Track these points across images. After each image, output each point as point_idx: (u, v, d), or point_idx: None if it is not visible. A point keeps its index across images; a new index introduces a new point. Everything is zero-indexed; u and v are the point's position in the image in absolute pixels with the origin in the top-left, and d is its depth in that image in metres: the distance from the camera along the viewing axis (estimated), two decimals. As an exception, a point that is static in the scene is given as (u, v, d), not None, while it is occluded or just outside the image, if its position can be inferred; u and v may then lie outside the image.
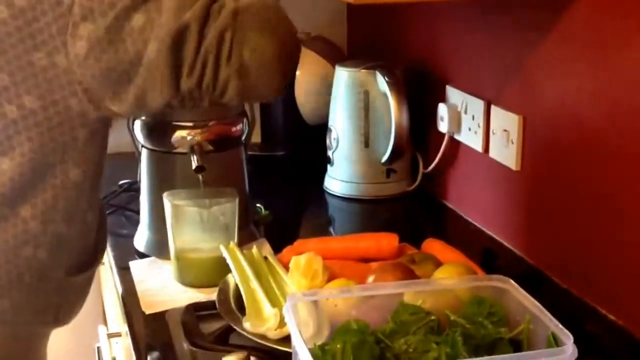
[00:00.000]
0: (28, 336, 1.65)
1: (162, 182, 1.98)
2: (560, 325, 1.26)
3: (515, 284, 1.36)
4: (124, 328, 1.89)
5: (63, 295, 1.64)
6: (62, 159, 1.52)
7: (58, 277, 1.61)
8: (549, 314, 1.28)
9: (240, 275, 1.69)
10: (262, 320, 1.56)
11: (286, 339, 1.47)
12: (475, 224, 2.18)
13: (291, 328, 1.30)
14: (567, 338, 1.23)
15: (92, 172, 1.59)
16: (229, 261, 1.72)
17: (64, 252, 1.60)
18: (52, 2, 1.40)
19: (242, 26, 1.43)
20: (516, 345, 1.31)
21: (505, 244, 2.04)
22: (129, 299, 1.83)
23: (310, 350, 1.24)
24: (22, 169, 1.48)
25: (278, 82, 1.50)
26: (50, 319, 1.63)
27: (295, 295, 1.41)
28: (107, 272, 2.24)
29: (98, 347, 2.08)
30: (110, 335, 2.04)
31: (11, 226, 1.52)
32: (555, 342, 1.26)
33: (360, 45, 2.91)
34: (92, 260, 1.71)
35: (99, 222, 1.71)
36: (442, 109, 2.24)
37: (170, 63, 1.42)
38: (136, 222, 2.09)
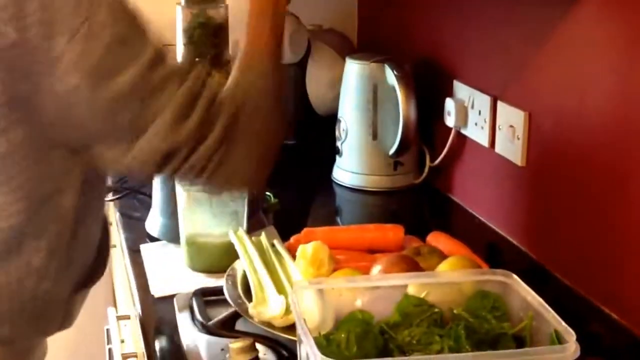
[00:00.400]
0: (27, 347, 1.60)
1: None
2: (564, 323, 1.24)
3: (519, 279, 1.35)
4: (133, 311, 1.88)
5: (67, 311, 1.57)
6: (59, 189, 1.44)
7: (62, 299, 1.53)
8: (552, 311, 1.26)
9: (247, 261, 1.68)
10: (268, 308, 1.55)
11: (292, 327, 1.46)
12: (480, 218, 2.16)
13: (296, 316, 1.28)
14: (570, 336, 1.22)
15: (92, 197, 1.52)
16: (237, 247, 1.71)
17: (69, 278, 1.53)
18: (42, 46, 1.28)
19: (228, 153, 1.42)
20: (519, 341, 1.29)
21: (509, 238, 2.02)
22: (139, 281, 1.82)
23: (314, 339, 1.23)
24: (21, 204, 1.40)
25: (251, 187, 1.58)
26: (53, 331, 1.57)
27: (300, 283, 1.40)
28: (118, 255, 2.23)
29: (107, 329, 2.07)
30: (119, 318, 2.03)
31: (14, 261, 1.43)
32: (557, 339, 1.24)
33: (370, 39, 2.90)
34: (96, 274, 1.64)
35: (102, 238, 1.65)
36: (449, 104, 2.23)
37: (156, 164, 1.40)
38: (148, 206, 2.08)
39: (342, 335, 1.28)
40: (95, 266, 1.61)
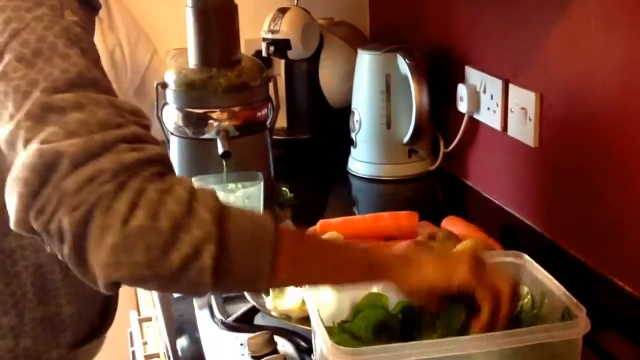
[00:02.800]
0: None
1: (191, 167, 2.00)
2: (574, 299, 1.25)
3: (530, 259, 1.35)
4: (154, 312, 1.90)
5: None
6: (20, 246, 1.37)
7: (55, 356, 1.45)
8: (563, 288, 1.27)
9: (264, 256, 1.69)
10: (285, 300, 1.56)
11: (309, 319, 1.46)
12: (495, 201, 2.17)
13: (309, 307, 1.30)
14: (580, 311, 1.22)
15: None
16: (254, 243, 1.72)
17: (59, 334, 1.45)
18: None
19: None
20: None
21: (524, 219, 2.03)
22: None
23: (328, 328, 1.24)
24: None
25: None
26: None
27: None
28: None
29: (130, 332, 2.09)
30: (141, 320, 2.05)
31: None
32: (569, 315, 1.25)
33: (382, 29, 2.90)
34: (99, 331, 1.56)
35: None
36: (461, 90, 2.23)
37: None
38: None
39: (356, 323, 1.29)
40: (97, 321, 1.56)
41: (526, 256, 1.37)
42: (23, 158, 1.07)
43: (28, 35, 1.15)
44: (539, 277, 1.33)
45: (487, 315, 1.21)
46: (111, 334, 1.63)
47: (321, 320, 1.25)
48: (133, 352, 2.01)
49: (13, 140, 1.10)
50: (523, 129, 1.98)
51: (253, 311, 1.62)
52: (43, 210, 1.06)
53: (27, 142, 1.08)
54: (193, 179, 1.81)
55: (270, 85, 2.11)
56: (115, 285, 1.09)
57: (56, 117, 1.09)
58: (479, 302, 1.21)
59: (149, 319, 2.03)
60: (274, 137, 2.15)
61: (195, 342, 1.60)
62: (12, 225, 1.10)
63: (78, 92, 1.12)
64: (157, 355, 1.82)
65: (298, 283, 1.32)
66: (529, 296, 1.33)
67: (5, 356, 1.38)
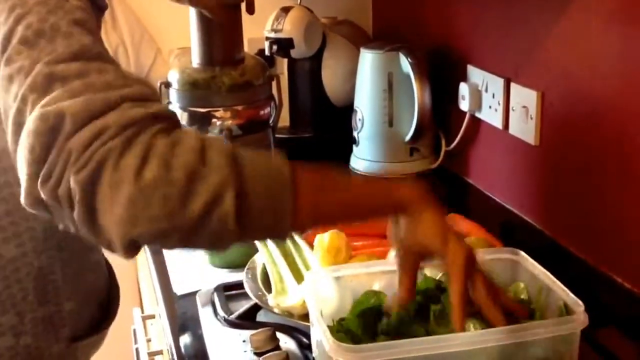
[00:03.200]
0: None
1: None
2: (572, 294, 1.26)
3: (527, 256, 1.36)
4: (157, 310, 1.91)
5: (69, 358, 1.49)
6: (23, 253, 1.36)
7: (56, 351, 1.45)
8: (560, 284, 1.28)
9: (267, 254, 1.71)
10: (287, 297, 1.57)
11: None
12: (496, 199, 2.17)
13: (308, 303, 1.31)
14: (578, 307, 1.23)
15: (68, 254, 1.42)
16: (257, 241, 1.73)
17: (58, 329, 1.44)
18: None
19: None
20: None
21: (525, 217, 2.03)
22: (162, 280, 1.85)
23: (327, 326, 1.25)
24: None
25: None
26: None
27: (314, 273, 1.42)
28: (141, 255, 2.26)
29: (134, 330, 2.10)
30: (145, 317, 2.06)
31: None
32: (566, 310, 1.25)
33: (385, 28, 2.91)
34: (99, 325, 1.55)
35: (105, 283, 1.59)
36: (463, 88, 2.24)
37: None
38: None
39: (353, 319, 1.30)
40: (99, 317, 1.56)
41: (523, 253, 1.38)
42: (27, 125, 1.05)
43: (31, 18, 1.14)
44: (535, 274, 1.33)
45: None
46: (115, 331, 1.64)
47: (322, 316, 1.27)
48: (137, 350, 2.02)
49: (21, 118, 1.07)
50: (524, 128, 1.99)
51: (255, 308, 1.63)
52: (50, 175, 1.03)
53: (31, 111, 1.06)
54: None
55: (273, 84, 2.11)
56: (133, 246, 1.06)
57: (60, 84, 1.07)
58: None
59: (152, 317, 2.04)
60: (277, 135, 2.16)
61: (199, 339, 1.61)
62: (22, 200, 1.07)
63: (82, 62, 1.10)
64: (161, 352, 1.83)
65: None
66: (525, 292, 1.34)
67: (5, 353, 1.38)
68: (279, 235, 1.16)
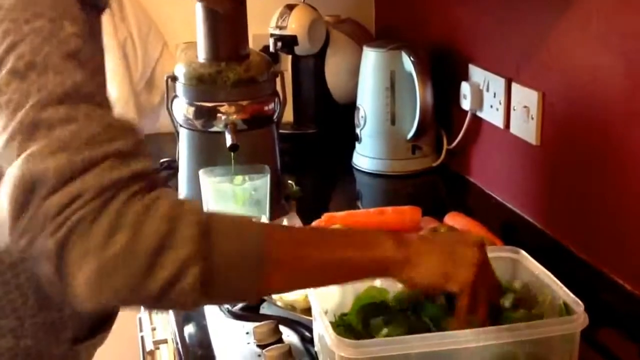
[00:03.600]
0: None
1: (199, 159, 2.01)
2: (572, 294, 1.26)
3: (527, 255, 1.37)
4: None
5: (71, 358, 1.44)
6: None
7: (57, 352, 1.40)
8: (560, 283, 1.29)
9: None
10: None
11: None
12: (497, 197, 2.18)
13: (311, 298, 1.31)
14: (578, 306, 1.24)
15: None
16: (261, 234, 1.74)
17: (59, 333, 1.39)
18: None
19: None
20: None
21: (526, 217, 2.04)
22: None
23: (330, 321, 1.26)
24: None
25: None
26: None
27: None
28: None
29: (139, 318, 2.10)
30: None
31: None
32: (566, 310, 1.26)
33: (387, 27, 2.91)
34: (101, 327, 1.48)
35: None
36: (464, 87, 2.25)
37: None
38: (174, 200, 2.11)
39: (354, 314, 1.31)
40: (101, 317, 1.49)
41: (523, 252, 1.38)
42: (10, 174, 1.05)
43: (24, 48, 1.11)
44: (536, 273, 1.34)
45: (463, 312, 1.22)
46: (120, 319, 1.64)
47: (324, 312, 1.27)
48: (142, 338, 2.02)
49: (6, 155, 1.07)
50: (525, 127, 1.99)
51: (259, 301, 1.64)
52: (26, 231, 1.04)
53: (17, 157, 1.05)
54: (201, 171, 1.86)
55: (278, 80, 2.12)
56: (101, 305, 1.08)
57: (45, 131, 1.06)
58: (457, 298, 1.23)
59: (242, 301, 2.04)
60: (281, 131, 2.17)
61: (203, 329, 1.62)
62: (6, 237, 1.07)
63: (70, 106, 1.08)
64: (165, 341, 1.84)
65: (292, 289, 1.34)
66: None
67: (5, 354, 1.35)
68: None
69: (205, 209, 1.11)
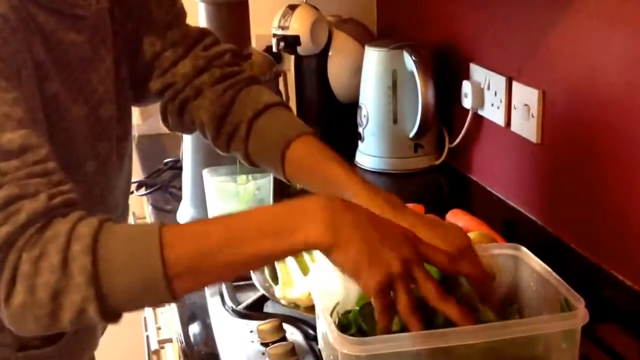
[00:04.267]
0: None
1: (203, 159, 2.00)
2: (572, 290, 1.25)
3: (527, 251, 1.35)
4: (167, 298, 1.91)
5: None
6: None
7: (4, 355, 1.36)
8: (560, 279, 1.27)
9: (274, 246, 1.70)
10: (294, 289, 1.58)
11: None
12: (498, 195, 2.18)
13: (314, 296, 1.31)
14: (579, 302, 1.23)
15: None
16: (264, 233, 1.73)
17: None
18: None
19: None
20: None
21: (527, 214, 2.04)
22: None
23: (332, 318, 1.25)
24: None
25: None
26: None
27: (320, 266, 1.42)
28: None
29: (144, 318, 2.10)
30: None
31: None
32: (567, 306, 1.25)
33: (389, 26, 2.91)
34: (59, 337, 1.41)
35: None
36: (466, 86, 2.24)
37: None
38: (179, 198, 2.11)
39: (357, 312, 1.30)
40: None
41: (524, 248, 1.37)
42: None
43: None
44: (536, 269, 1.33)
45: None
46: (126, 319, 1.64)
47: (327, 309, 1.27)
48: (147, 337, 2.02)
49: None
50: (526, 125, 1.99)
51: (263, 299, 1.63)
52: None
53: None
54: (205, 171, 1.85)
55: (280, 79, 2.11)
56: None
57: None
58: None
59: (163, 305, 2.04)
60: (284, 130, 2.16)
61: (207, 328, 1.62)
62: None
63: None
64: (170, 340, 1.84)
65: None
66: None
67: None
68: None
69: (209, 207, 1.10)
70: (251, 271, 1.63)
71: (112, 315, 1.11)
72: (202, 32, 1.55)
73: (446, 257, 1.18)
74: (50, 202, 1.09)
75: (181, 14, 1.55)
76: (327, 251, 1.13)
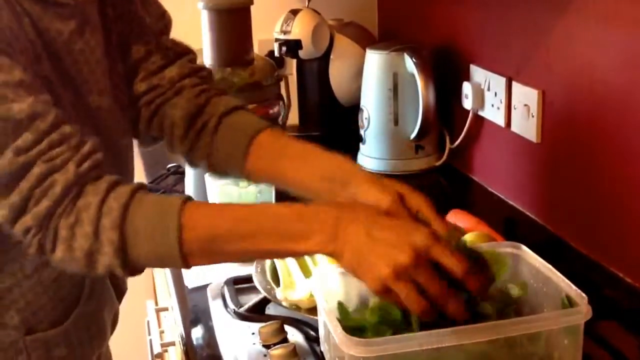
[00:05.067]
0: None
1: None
2: (574, 287, 1.24)
3: (528, 249, 1.34)
4: (170, 302, 1.90)
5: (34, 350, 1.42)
6: None
7: (9, 339, 1.39)
8: (561, 276, 1.26)
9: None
10: (295, 291, 1.57)
11: (317, 309, 1.46)
12: (499, 195, 2.16)
13: (317, 298, 1.29)
14: (582, 299, 1.21)
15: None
16: (265, 236, 1.72)
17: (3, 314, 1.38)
18: None
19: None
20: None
21: (528, 213, 2.02)
22: (175, 274, 1.84)
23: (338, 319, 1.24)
24: None
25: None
26: None
27: (321, 268, 1.41)
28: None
29: (148, 321, 2.09)
30: (158, 310, 2.05)
31: None
32: (569, 303, 1.24)
33: (390, 29, 2.90)
34: (65, 318, 1.46)
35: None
36: (466, 87, 2.23)
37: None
38: (182, 202, 2.09)
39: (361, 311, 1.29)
40: (69, 298, 1.47)
41: (524, 247, 1.36)
42: None
43: None
44: (536, 266, 1.32)
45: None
46: (129, 322, 1.63)
47: (329, 310, 1.25)
48: (150, 341, 2.01)
49: None
50: (526, 125, 1.98)
51: (264, 301, 1.62)
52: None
53: None
54: (207, 174, 1.84)
55: (282, 84, 2.11)
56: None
57: None
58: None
59: (166, 309, 2.03)
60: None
61: (209, 330, 1.61)
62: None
63: None
64: (173, 344, 1.83)
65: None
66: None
67: None
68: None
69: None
70: (253, 275, 1.63)
71: (136, 272, 1.26)
72: (188, 47, 1.60)
73: (455, 263, 1.16)
74: (78, 169, 1.20)
75: (169, 25, 1.59)
76: (333, 257, 1.21)
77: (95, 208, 1.19)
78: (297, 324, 1.54)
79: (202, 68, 1.59)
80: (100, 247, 1.20)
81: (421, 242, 1.15)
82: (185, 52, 1.57)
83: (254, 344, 1.52)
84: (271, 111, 2.05)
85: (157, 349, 1.88)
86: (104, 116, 1.40)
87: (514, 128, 2.04)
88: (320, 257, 1.64)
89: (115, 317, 1.62)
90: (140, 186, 1.25)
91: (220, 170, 1.53)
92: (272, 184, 1.59)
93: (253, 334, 1.54)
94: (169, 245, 1.20)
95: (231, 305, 1.63)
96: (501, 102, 2.09)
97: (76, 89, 1.33)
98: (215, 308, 1.66)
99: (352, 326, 1.26)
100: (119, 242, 1.19)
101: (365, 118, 2.38)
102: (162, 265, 1.35)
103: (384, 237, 1.17)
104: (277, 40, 2.57)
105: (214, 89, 1.56)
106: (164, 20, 1.57)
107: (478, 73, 2.20)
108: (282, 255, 1.43)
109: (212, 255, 1.26)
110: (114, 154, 1.41)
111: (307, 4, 2.65)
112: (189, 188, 2.05)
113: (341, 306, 1.30)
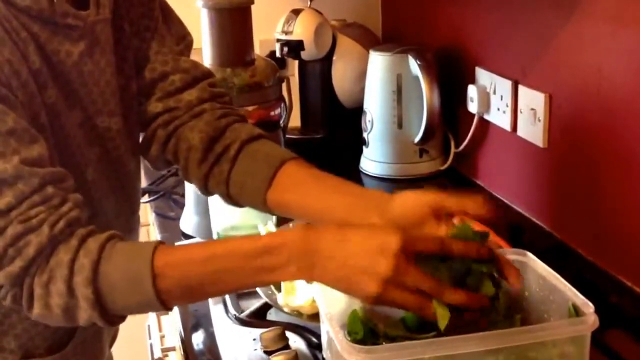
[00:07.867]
0: None
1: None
2: (581, 296, 1.24)
3: (534, 257, 1.34)
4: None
5: None
6: None
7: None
8: (568, 285, 1.26)
9: (277, 254, 1.70)
10: (296, 297, 1.57)
11: (319, 315, 1.47)
12: (505, 200, 2.17)
13: (319, 304, 1.30)
14: (588, 308, 1.22)
15: None
16: (267, 240, 1.73)
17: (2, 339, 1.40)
18: None
19: None
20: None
21: (534, 219, 2.03)
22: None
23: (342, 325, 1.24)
24: None
25: None
26: None
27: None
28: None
29: (148, 326, 2.10)
30: (159, 314, 2.06)
31: None
32: (575, 312, 1.24)
33: (394, 30, 2.90)
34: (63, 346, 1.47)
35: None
36: (471, 90, 2.23)
37: None
38: (182, 205, 2.11)
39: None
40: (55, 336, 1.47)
41: (530, 254, 1.36)
42: None
43: None
44: (543, 274, 1.32)
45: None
46: (130, 327, 1.64)
47: (332, 317, 1.26)
48: (151, 345, 2.02)
49: None
50: (532, 130, 1.98)
51: (266, 307, 1.63)
52: None
53: None
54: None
55: (284, 85, 2.11)
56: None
57: None
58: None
59: (166, 313, 2.04)
60: (288, 136, 2.16)
61: (210, 336, 1.62)
62: None
63: None
64: (174, 349, 1.83)
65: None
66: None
67: None
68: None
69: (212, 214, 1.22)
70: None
71: (118, 322, 1.27)
72: (210, 71, 1.58)
73: (436, 243, 1.22)
74: (52, 231, 1.19)
75: (190, 47, 1.58)
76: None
77: (66, 267, 1.20)
78: (298, 330, 1.55)
79: (224, 94, 1.57)
80: (76, 302, 1.21)
81: (396, 244, 1.16)
82: (205, 76, 1.55)
83: (255, 350, 1.53)
84: (272, 113, 2.05)
85: (158, 354, 1.89)
86: (113, 137, 1.40)
87: (520, 132, 2.05)
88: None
89: (115, 335, 1.63)
90: (111, 236, 1.24)
91: (238, 200, 1.49)
92: (297, 217, 1.54)
93: (254, 339, 1.55)
94: (146, 294, 1.21)
95: (232, 311, 1.64)
96: (507, 105, 2.09)
97: (85, 110, 1.34)
98: (216, 313, 1.67)
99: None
100: (94, 297, 1.20)
101: (369, 121, 2.39)
102: (143, 312, 1.32)
103: (356, 250, 1.17)
104: (278, 40, 2.57)
105: (235, 115, 1.53)
106: (185, 42, 1.56)
107: (483, 76, 2.21)
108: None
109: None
110: (121, 175, 1.43)
111: (308, 3, 2.65)
112: (190, 190, 2.06)
113: (354, 315, 1.30)
